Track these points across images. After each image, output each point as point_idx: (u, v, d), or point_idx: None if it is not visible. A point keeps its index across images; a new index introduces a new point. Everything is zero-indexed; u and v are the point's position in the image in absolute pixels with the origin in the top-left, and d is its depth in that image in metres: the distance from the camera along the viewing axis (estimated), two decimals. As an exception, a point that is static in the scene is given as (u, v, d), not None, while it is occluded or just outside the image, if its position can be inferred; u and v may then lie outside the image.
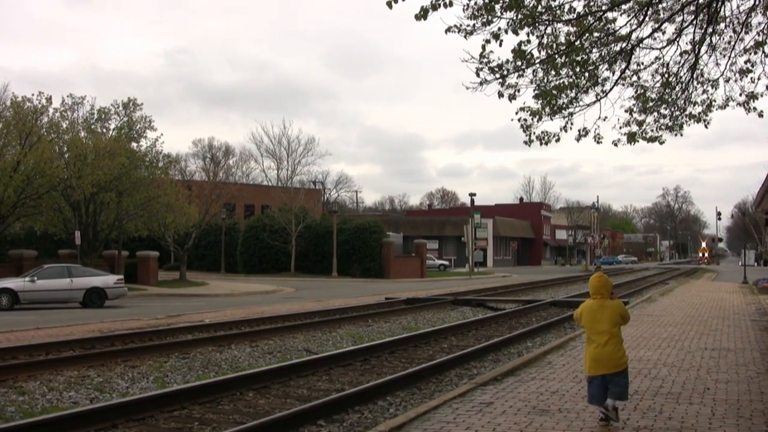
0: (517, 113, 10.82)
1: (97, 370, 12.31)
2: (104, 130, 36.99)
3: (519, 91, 10.29)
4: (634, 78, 11.14)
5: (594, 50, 10.37)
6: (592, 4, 9.89)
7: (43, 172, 31.74)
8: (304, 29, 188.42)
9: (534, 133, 10.94)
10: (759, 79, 10.79)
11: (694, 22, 10.48)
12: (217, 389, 10.18)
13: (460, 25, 9.38)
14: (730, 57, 10.87)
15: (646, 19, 10.29)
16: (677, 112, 11.48)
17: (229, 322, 19.28)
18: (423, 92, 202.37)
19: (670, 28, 10.66)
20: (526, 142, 11.02)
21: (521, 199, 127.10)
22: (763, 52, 10.43)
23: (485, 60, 9.75)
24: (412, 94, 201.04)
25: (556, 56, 10.03)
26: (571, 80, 10.49)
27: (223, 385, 10.37)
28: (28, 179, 31.96)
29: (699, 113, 11.40)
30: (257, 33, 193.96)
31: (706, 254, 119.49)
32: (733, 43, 10.79)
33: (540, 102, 10.59)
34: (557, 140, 11.10)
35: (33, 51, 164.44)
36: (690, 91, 11.26)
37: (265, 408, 9.53)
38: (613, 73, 10.81)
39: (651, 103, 11.30)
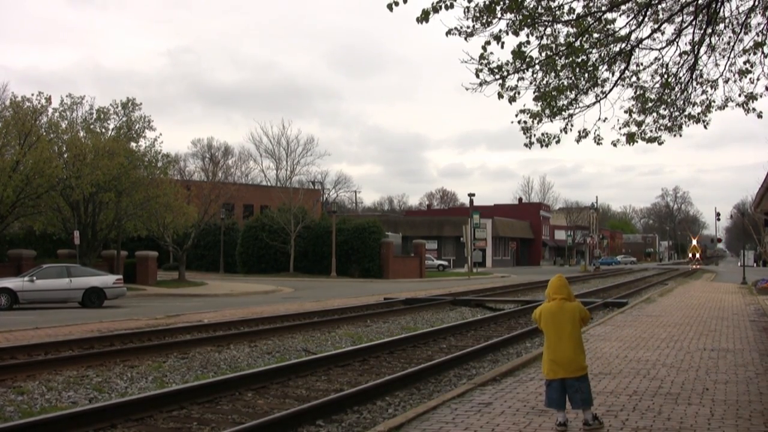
0: (517, 115, 10.83)
1: (96, 370, 12.31)
2: (103, 130, 36.98)
3: (519, 93, 10.29)
4: (634, 79, 11.14)
5: (593, 51, 10.36)
6: (591, 4, 9.89)
7: (42, 171, 31.73)
8: (308, 29, 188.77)
9: (534, 135, 10.94)
10: (758, 79, 10.80)
11: (694, 22, 10.48)
12: (215, 389, 10.19)
13: (461, 27, 9.38)
14: (729, 58, 10.87)
15: (646, 19, 10.30)
16: (676, 113, 11.48)
17: (228, 322, 19.28)
18: (426, 92, 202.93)
19: (669, 29, 10.67)
20: (526, 145, 11.03)
21: (520, 199, 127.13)
22: (762, 52, 10.43)
23: (485, 61, 9.75)
24: (415, 93, 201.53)
25: (556, 57, 10.03)
26: (570, 81, 10.49)
27: (221, 385, 10.37)
28: (27, 179, 31.93)
29: (698, 114, 11.40)
30: (261, 32, 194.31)
31: (698, 254, 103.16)
32: (732, 44, 10.80)
33: (540, 104, 10.59)
34: (557, 142, 11.11)
35: (35, 50, 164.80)
36: (689, 92, 11.26)
37: (264, 408, 9.53)
38: (613, 74, 10.81)
39: (650, 104, 11.30)
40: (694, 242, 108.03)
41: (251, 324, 19.47)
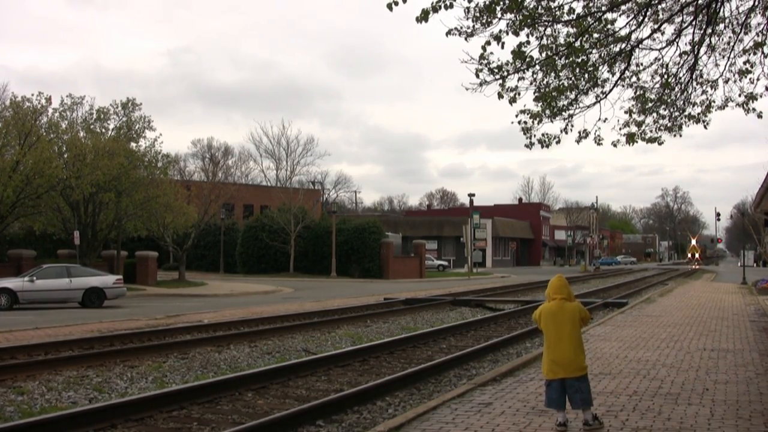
0: (517, 116, 10.84)
1: (96, 370, 12.31)
2: (103, 130, 36.98)
3: (519, 93, 10.29)
4: (634, 79, 11.14)
5: (594, 51, 10.37)
6: (591, 5, 9.89)
7: (42, 172, 31.72)
8: (308, 29, 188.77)
9: (534, 135, 10.94)
10: (758, 79, 10.80)
11: (694, 22, 10.48)
12: (215, 389, 10.18)
13: (461, 27, 9.38)
14: (729, 58, 10.88)
15: (646, 20, 10.30)
16: (676, 113, 11.48)
17: (228, 323, 19.27)
18: (427, 92, 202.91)
19: (669, 29, 10.67)
20: (527, 146, 11.03)
21: (520, 199, 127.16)
22: (762, 52, 10.43)
23: (485, 61, 9.75)
24: (416, 93, 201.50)
25: (556, 57, 10.03)
26: (570, 82, 10.49)
27: (221, 385, 10.37)
28: (27, 179, 31.93)
29: (698, 114, 11.40)
30: (260, 32, 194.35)
31: (698, 254, 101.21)
32: (732, 44, 10.80)
33: (540, 104, 10.59)
34: (558, 142, 11.11)
35: (35, 50, 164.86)
36: (689, 92, 11.26)
37: (264, 408, 9.53)
38: (613, 74, 10.81)
39: (650, 104, 11.30)
40: (694, 242, 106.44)
41: (251, 324, 19.47)
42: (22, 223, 37.78)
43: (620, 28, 10.24)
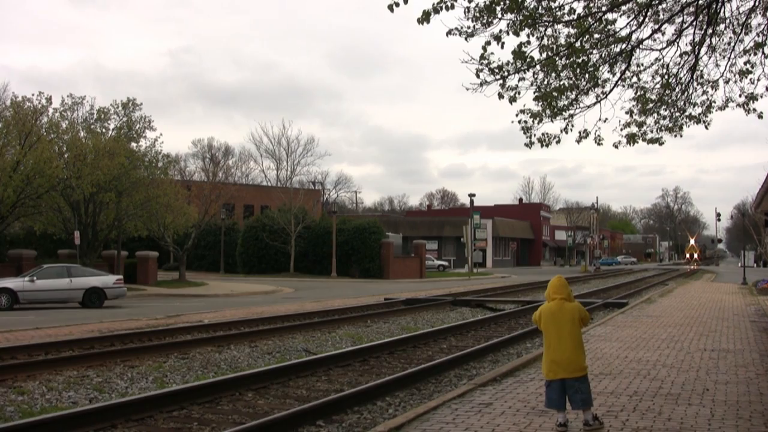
0: (517, 115, 10.84)
1: (97, 370, 12.31)
2: (104, 130, 36.99)
3: (519, 93, 10.29)
4: (634, 79, 11.14)
5: (594, 52, 10.37)
6: (591, 5, 9.89)
7: (42, 172, 31.73)
8: (309, 29, 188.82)
9: (534, 135, 10.94)
10: (758, 80, 10.81)
11: (694, 23, 10.49)
12: (216, 389, 10.19)
13: (461, 28, 9.37)
14: (729, 58, 10.88)
15: (646, 20, 10.30)
16: (677, 113, 11.49)
17: (228, 323, 19.27)
18: (428, 92, 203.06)
19: (669, 30, 10.67)
20: (527, 145, 11.03)
21: (521, 199, 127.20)
22: (763, 53, 10.43)
23: (485, 61, 9.74)
24: (417, 94, 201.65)
25: (557, 58, 10.03)
26: (571, 82, 10.48)
27: (222, 385, 10.38)
28: (27, 179, 31.93)
29: (699, 114, 11.41)
30: (262, 32, 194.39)
31: (696, 254, 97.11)
32: (732, 45, 10.80)
33: (540, 104, 10.59)
34: (558, 142, 11.11)
35: (36, 50, 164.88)
36: (690, 92, 11.26)
37: (265, 408, 9.54)
38: (614, 75, 10.82)
39: (651, 105, 11.30)
40: (692, 242, 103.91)
41: (251, 324, 19.47)
42: (22, 223, 37.78)
43: (621, 29, 10.25)
